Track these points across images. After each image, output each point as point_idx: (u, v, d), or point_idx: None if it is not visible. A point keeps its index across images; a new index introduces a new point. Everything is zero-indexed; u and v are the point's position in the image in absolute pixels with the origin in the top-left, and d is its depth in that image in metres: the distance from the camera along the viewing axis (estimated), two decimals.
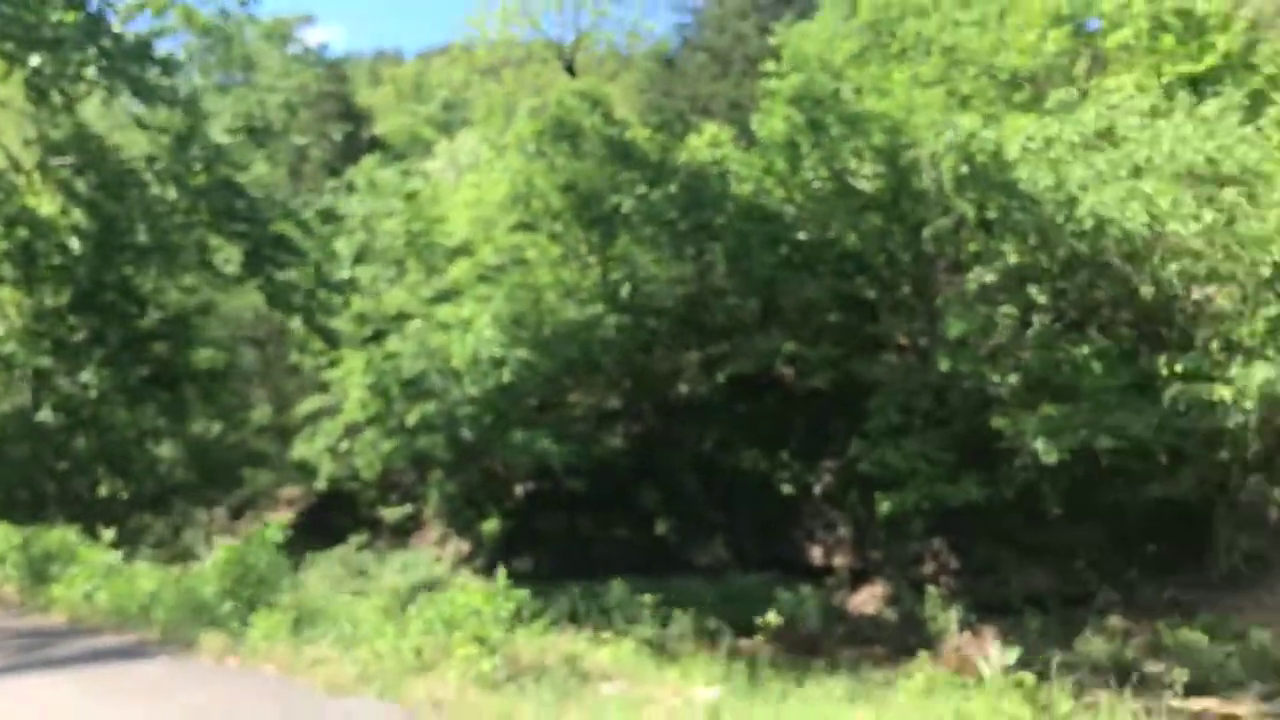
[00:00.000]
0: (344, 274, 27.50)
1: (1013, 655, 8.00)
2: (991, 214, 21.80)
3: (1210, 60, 29.55)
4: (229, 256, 23.64)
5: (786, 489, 27.64)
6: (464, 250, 33.39)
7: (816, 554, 27.77)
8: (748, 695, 7.90)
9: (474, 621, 8.14)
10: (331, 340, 26.47)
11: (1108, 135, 22.85)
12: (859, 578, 26.94)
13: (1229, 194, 21.04)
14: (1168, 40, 29.42)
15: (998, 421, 21.60)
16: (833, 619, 25.62)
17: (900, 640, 23.10)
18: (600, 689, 7.91)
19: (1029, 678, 6.64)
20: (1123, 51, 29.20)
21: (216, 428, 35.92)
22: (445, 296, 32.56)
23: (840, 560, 27.29)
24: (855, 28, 27.04)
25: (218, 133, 26.01)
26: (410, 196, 36.26)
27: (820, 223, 26.31)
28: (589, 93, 32.16)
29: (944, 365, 21.89)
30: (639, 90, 39.49)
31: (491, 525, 31.23)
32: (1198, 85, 29.37)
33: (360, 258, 34.95)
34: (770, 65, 28.35)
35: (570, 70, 37.88)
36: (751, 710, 7.30)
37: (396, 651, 8.35)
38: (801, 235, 27.26)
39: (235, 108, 29.56)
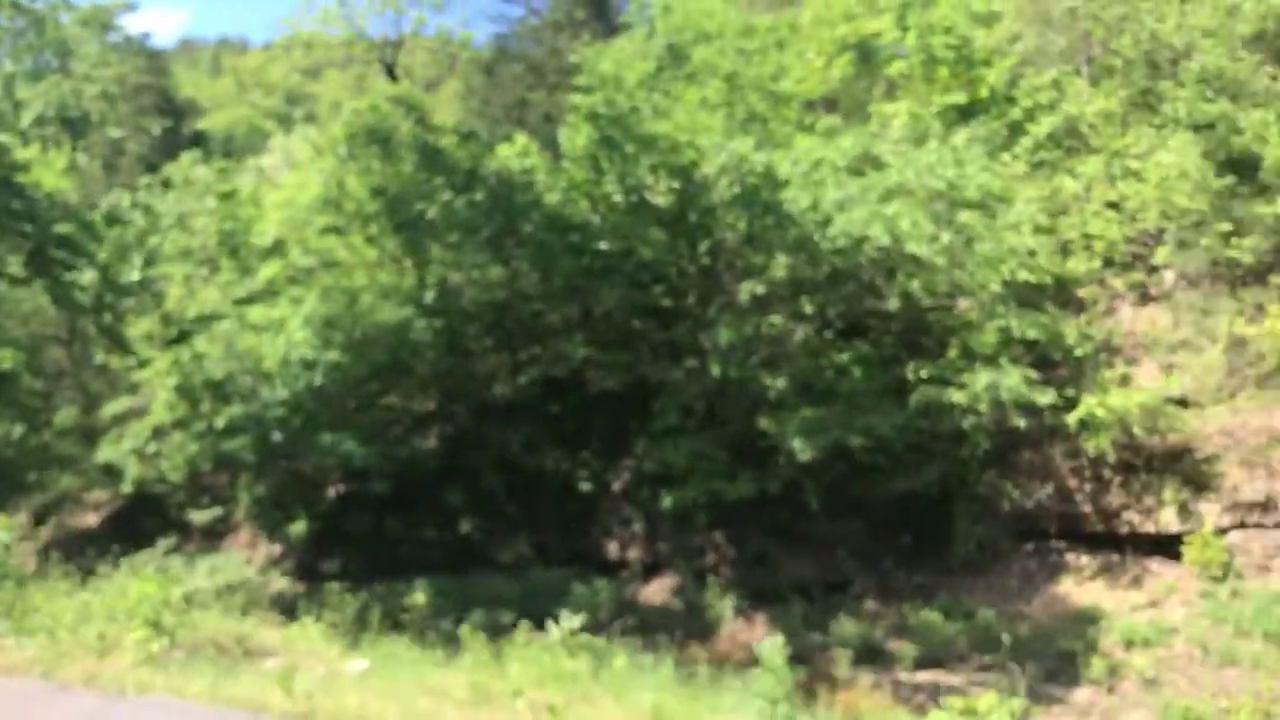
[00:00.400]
0: (135, 276, 27.22)
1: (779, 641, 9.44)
2: (759, 231, 23.50)
3: (982, 92, 32.41)
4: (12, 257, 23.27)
5: (586, 487, 28.83)
6: (277, 251, 33.41)
7: (613, 549, 29.08)
8: (395, 665, 8.91)
9: (147, 607, 8.89)
10: (120, 343, 26.25)
11: (873, 160, 24.96)
12: (651, 570, 28.39)
13: (967, 217, 23.33)
14: (942, 72, 32.09)
15: (764, 423, 23.31)
16: (625, 609, 26.95)
17: (683, 628, 24.54)
18: (262, 664, 8.77)
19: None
20: (904, 80, 31.69)
21: (18, 430, 34.85)
22: (258, 297, 32.53)
23: (634, 554, 28.68)
24: (653, 49, 28.48)
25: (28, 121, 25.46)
26: (226, 196, 35.99)
27: (620, 234, 27.60)
28: (403, 98, 32.72)
29: (715, 370, 23.48)
30: (460, 98, 40.19)
31: (299, 527, 31.41)
32: (967, 114, 32.19)
33: (172, 257, 34.51)
34: (579, 80, 29.57)
35: (391, 75, 38.26)
36: (395, 673, 8.30)
37: (76, 636, 9.01)
38: (603, 245, 28.50)
39: (48, 96, 28.91)
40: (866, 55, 32.05)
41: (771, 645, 9.13)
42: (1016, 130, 30.97)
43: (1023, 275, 23.14)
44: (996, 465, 24.98)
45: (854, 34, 31.94)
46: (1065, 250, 26.92)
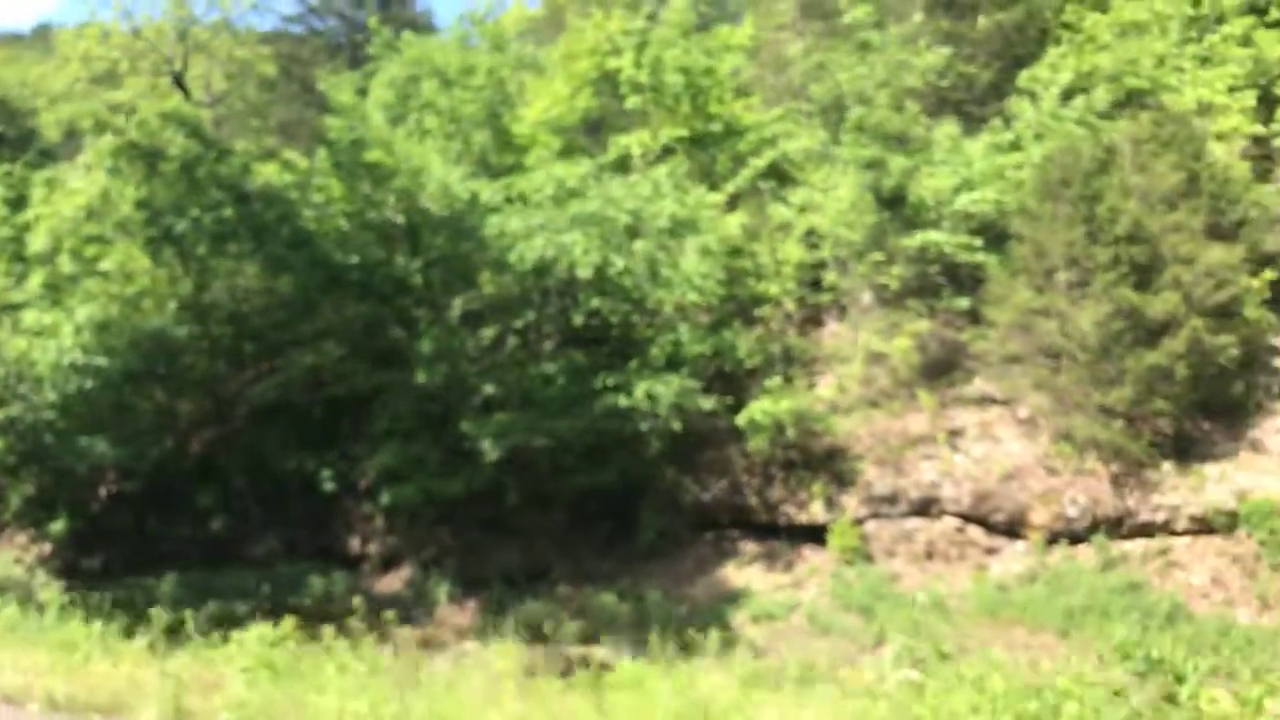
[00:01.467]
0: None
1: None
2: (464, 252, 26.12)
3: (717, 125, 35.76)
4: None
5: (329, 487, 30.95)
6: (47, 258, 34.53)
7: (355, 543, 31.30)
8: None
9: None
10: None
11: (573, 191, 27.81)
12: (389, 562, 30.71)
13: (644, 244, 26.37)
14: (683, 106, 35.28)
15: (465, 426, 25.90)
16: (363, 600, 29.22)
17: (409, 615, 26.94)
18: None
19: None
20: (639, 114, 34.74)
21: None
22: (32, 302, 33.61)
23: (373, 548, 30.96)
24: (390, 80, 30.84)
25: None
26: (14, 202, 36.83)
27: (362, 249, 29.84)
28: (173, 113, 34.24)
29: (421, 378, 25.98)
30: (242, 111, 41.82)
31: (59, 526, 32.66)
32: (700, 145, 35.51)
33: None
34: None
35: (180, 85, 39.64)
36: None
37: None
38: (353, 259, 30.67)
39: None
40: (609, 88, 34.92)
41: None
42: (741, 162, 34.41)
43: (692, 297, 26.26)
44: (682, 463, 28.10)
45: (597, 68, 34.81)
46: (759, 273, 30.29)
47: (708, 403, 26.26)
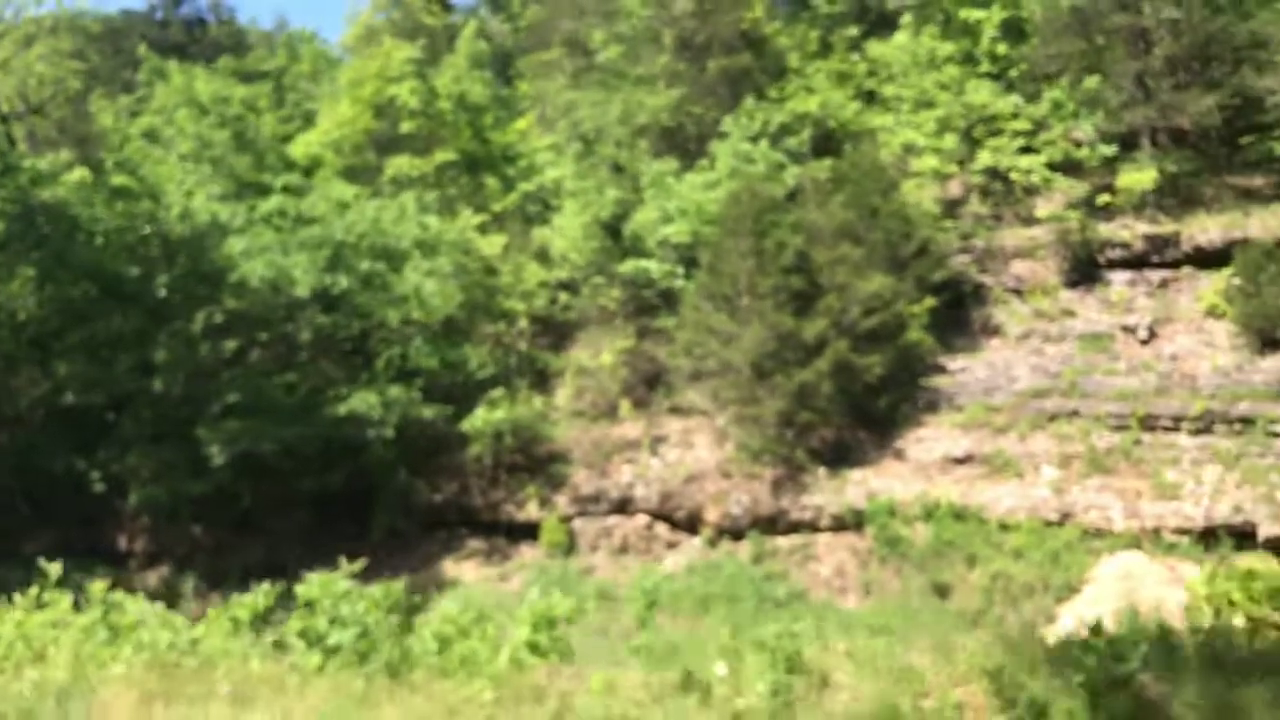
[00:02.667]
0: None
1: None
2: (204, 271, 28.29)
3: (491, 150, 38.37)
4: None
5: (100, 486, 32.77)
6: None
7: (124, 541, 33.18)
8: None
9: None
10: None
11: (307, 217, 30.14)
12: (152, 559, 32.66)
13: (370, 265, 28.84)
14: (465, 132, 37.85)
15: (200, 432, 28.05)
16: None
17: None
18: None
19: None
20: (411, 139, 37.20)
21: None
22: None
23: (140, 545, 32.89)
24: (160, 106, 32.87)
25: None
26: None
27: (122, 265, 31.69)
28: None
29: (158, 386, 28.07)
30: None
31: None
32: (473, 168, 38.10)
33: None
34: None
35: None
36: None
37: None
38: (118, 273, 32.48)
39: None
40: (387, 113, 37.28)
41: None
42: (511, 185, 37.10)
43: (417, 314, 28.80)
44: (417, 467, 30.62)
45: (378, 94, 37.17)
46: (507, 292, 32.96)
47: (429, 411, 28.82)
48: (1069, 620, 21.72)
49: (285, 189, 30.32)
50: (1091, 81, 32.83)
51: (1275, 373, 26.44)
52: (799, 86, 33.62)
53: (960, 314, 32.58)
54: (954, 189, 35.78)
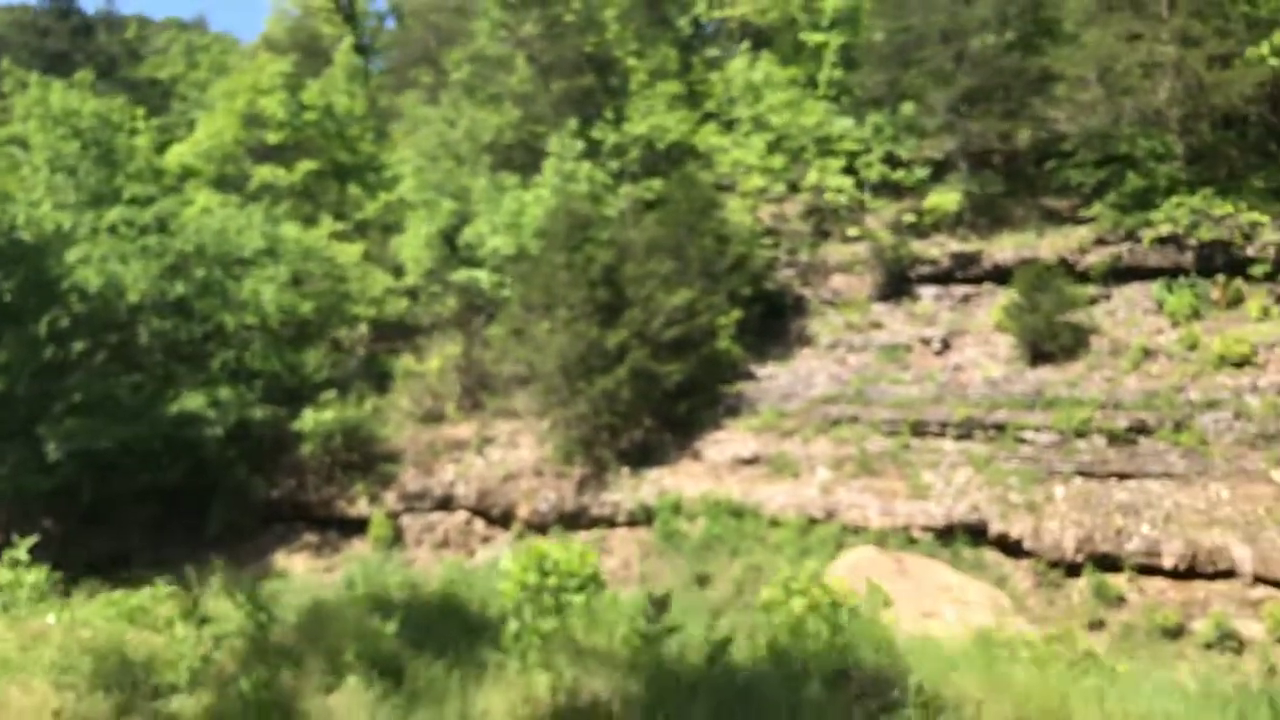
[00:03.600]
0: None
1: None
2: (46, 276, 29.81)
3: (356, 158, 40.05)
4: None
5: None
6: None
7: None
8: None
9: None
10: None
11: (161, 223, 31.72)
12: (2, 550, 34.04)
13: (206, 272, 30.48)
14: (334, 143, 39.51)
15: (40, 430, 29.56)
16: None
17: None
18: None
19: None
20: (278, 149, 38.83)
21: None
22: None
23: None
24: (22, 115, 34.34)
25: None
26: None
27: None
28: None
29: (1, 386, 29.56)
30: None
31: None
32: (341, 176, 39.78)
33: None
34: None
35: None
36: None
37: None
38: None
39: None
40: (257, 125, 38.92)
41: None
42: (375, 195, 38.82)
43: (249, 319, 30.47)
44: (258, 464, 32.29)
45: (250, 105, 38.79)
46: (354, 298, 34.68)
47: (260, 412, 30.50)
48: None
49: (133, 200, 31.84)
50: (908, 108, 35.06)
51: (1035, 384, 28.68)
52: (639, 108, 35.55)
53: (781, 324, 34.70)
54: (794, 207, 37.89)
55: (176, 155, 39.09)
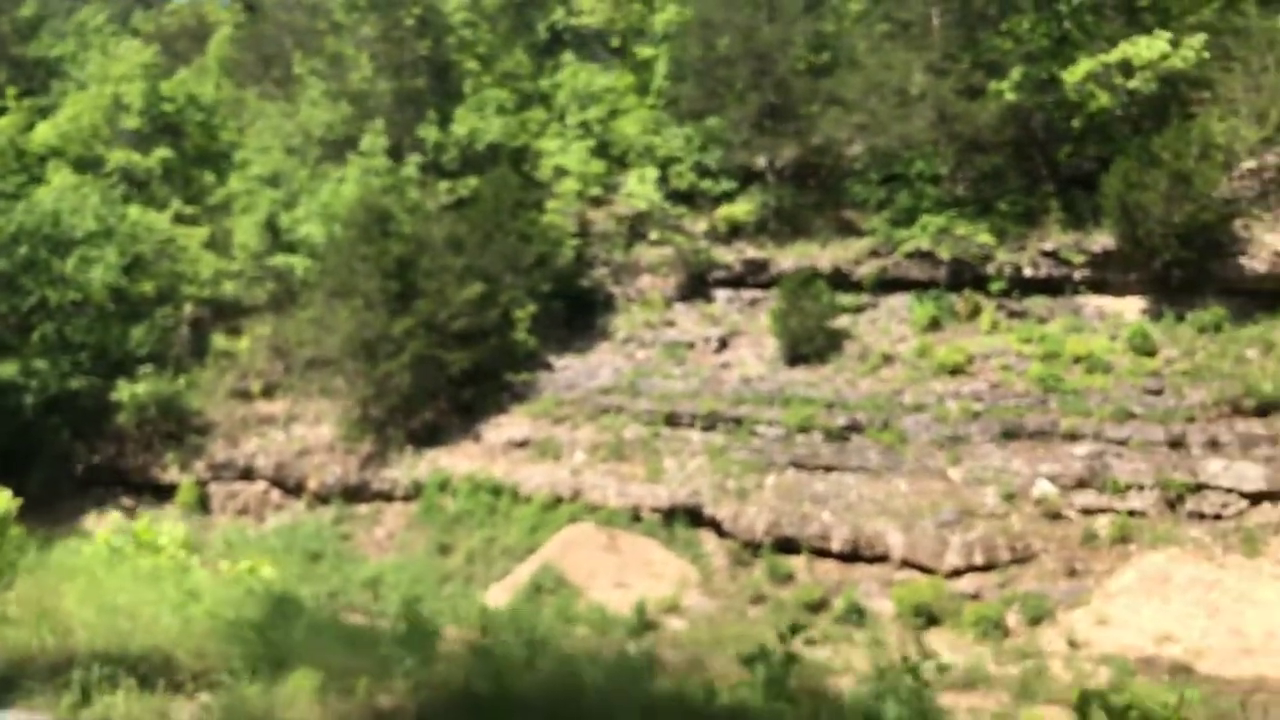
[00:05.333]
0: None
1: None
2: None
3: (218, 145, 42.14)
4: None
5: None
6: None
7: None
8: None
9: None
10: None
11: None
12: None
13: (25, 252, 32.66)
14: (194, 131, 41.59)
15: None
16: None
17: None
18: None
19: None
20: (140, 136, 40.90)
21: None
22: None
23: None
24: None
25: None
26: None
27: None
28: None
29: None
30: None
31: None
32: (196, 163, 41.86)
33: None
34: None
35: None
36: None
37: None
38: None
39: None
40: (121, 109, 40.99)
41: None
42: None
43: (71, 295, 32.67)
44: (83, 430, 34.53)
45: (112, 93, 40.85)
46: (188, 279, 36.91)
47: (76, 382, 32.75)
48: (509, 579, 26.34)
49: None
50: (714, 122, 37.52)
51: (784, 383, 31.25)
52: (472, 109, 37.79)
53: (589, 319, 37.17)
54: (621, 210, 40.27)
55: (40, 136, 41.08)
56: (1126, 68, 29.70)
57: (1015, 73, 31.52)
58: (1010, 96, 31.50)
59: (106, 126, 41.39)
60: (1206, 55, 29.63)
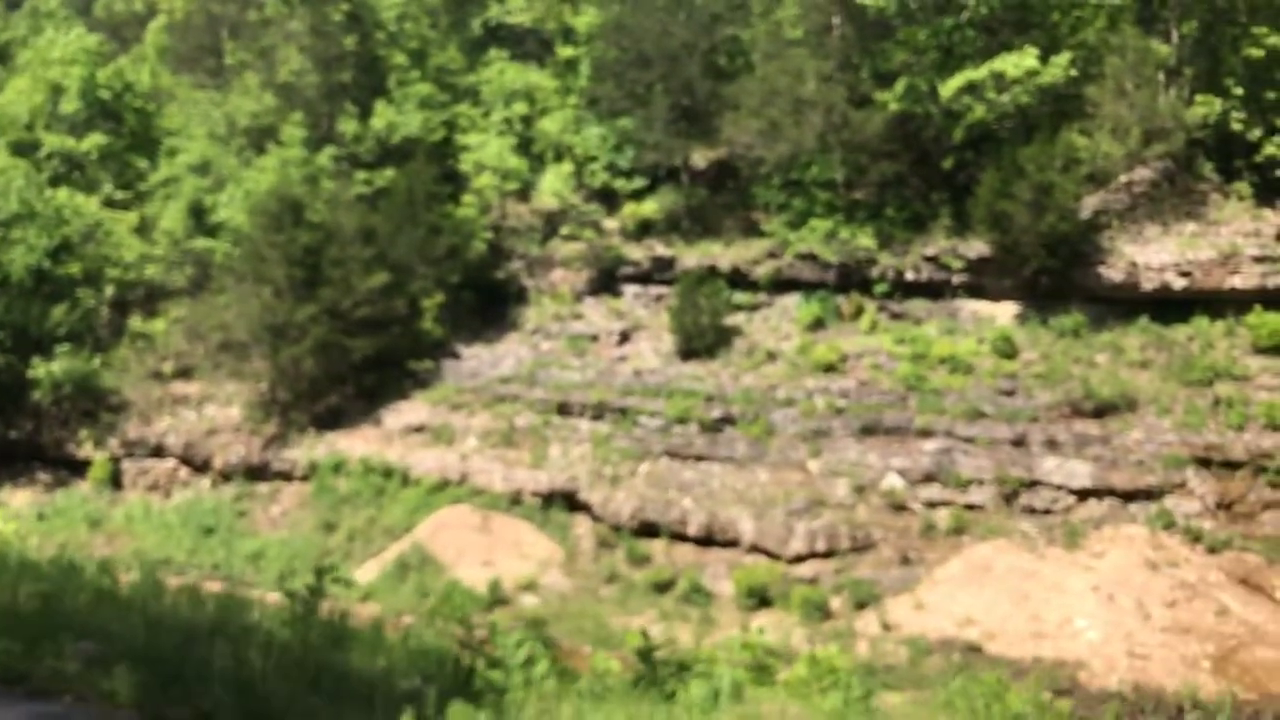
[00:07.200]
0: None
1: None
2: None
3: (153, 132, 43.18)
4: None
5: None
6: None
7: None
8: None
9: None
10: None
11: None
12: None
13: None
14: (130, 117, 42.67)
15: None
16: None
17: None
18: None
19: None
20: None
21: None
22: None
23: None
24: None
25: None
26: None
27: None
28: None
29: None
30: None
31: None
32: (131, 149, 42.87)
33: None
34: None
35: None
36: None
37: None
38: None
39: None
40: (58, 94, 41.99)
41: None
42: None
43: None
44: (4, 407, 35.65)
45: (51, 76, 41.89)
46: (114, 262, 38.01)
47: None
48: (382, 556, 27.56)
49: None
50: (626, 122, 38.74)
51: (673, 376, 32.52)
52: (397, 102, 38.93)
53: (502, 310, 38.41)
54: (541, 205, 41.46)
55: None
56: (1001, 81, 30.98)
57: (900, 84, 32.80)
58: (895, 106, 32.80)
59: (46, 111, 42.43)
60: (1074, 73, 30.96)
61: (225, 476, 33.28)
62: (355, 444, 32.65)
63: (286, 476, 32.75)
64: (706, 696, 7.28)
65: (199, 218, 37.01)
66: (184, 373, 37.07)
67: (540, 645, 8.90)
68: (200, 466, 34.13)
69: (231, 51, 41.26)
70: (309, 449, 32.76)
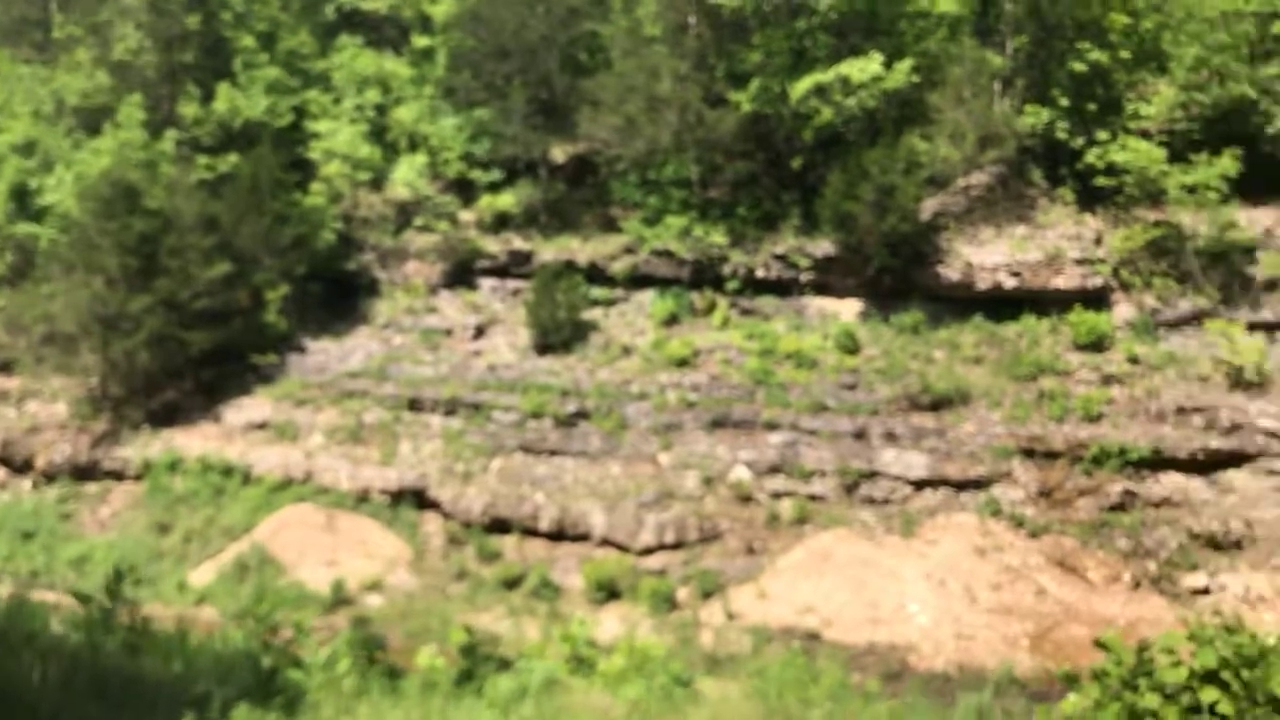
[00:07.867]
0: None
1: None
2: None
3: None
4: None
5: None
6: None
7: None
8: None
9: None
10: None
11: None
12: None
13: None
14: None
15: None
16: None
17: None
18: None
19: None
20: None
21: None
22: None
23: None
24: None
25: None
26: None
27: None
28: None
29: None
30: None
31: None
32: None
33: None
34: None
35: None
36: None
37: None
38: None
39: None
40: None
41: None
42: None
43: None
44: None
45: None
46: None
47: None
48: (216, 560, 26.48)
49: None
50: (482, 113, 38.28)
51: (529, 371, 32.35)
52: (241, 86, 37.36)
53: (352, 303, 37.38)
54: (394, 195, 40.52)
55: None
56: (847, 85, 32.01)
57: (753, 85, 33.49)
58: (748, 107, 33.47)
59: None
60: (917, 79, 32.26)
61: (49, 477, 31.28)
62: (193, 441, 31.20)
63: (118, 476, 31.02)
64: (514, 690, 7.25)
65: (21, 201, 34.64)
66: (3, 367, 34.71)
67: (355, 645, 8.76)
68: (20, 467, 31.97)
69: (60, 25, 38.74)
70: (143, 447, 31.12)
